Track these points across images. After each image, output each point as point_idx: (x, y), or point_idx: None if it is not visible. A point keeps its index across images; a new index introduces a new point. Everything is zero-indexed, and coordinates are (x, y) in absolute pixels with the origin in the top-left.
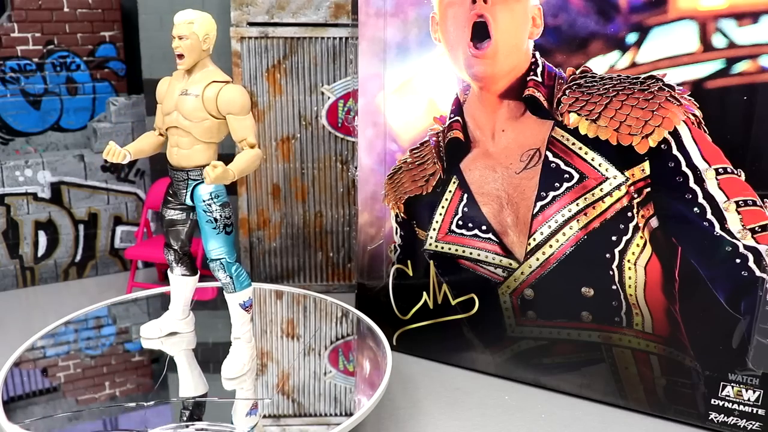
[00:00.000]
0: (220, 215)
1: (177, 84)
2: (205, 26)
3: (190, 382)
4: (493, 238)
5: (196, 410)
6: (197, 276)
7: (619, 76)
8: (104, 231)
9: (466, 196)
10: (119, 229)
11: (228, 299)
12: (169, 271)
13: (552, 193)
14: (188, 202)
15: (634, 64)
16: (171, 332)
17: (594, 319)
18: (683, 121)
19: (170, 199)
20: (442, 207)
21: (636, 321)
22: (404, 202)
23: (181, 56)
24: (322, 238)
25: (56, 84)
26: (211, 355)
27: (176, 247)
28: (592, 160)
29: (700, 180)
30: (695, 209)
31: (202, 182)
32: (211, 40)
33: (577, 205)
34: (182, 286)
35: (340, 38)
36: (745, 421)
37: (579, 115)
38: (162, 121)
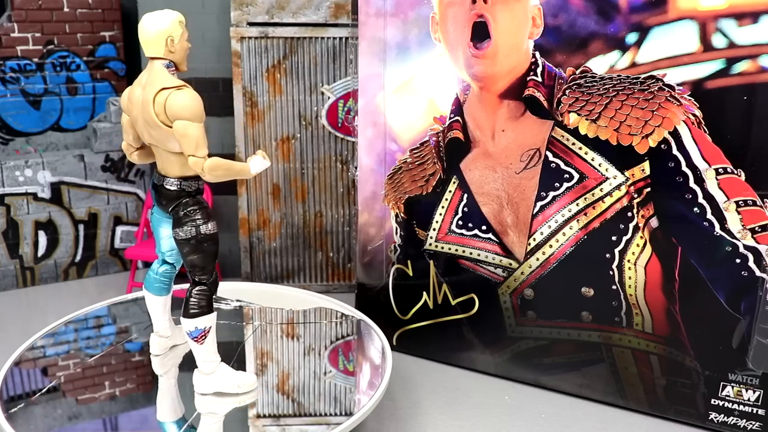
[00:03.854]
0: None
1: None
2: None
3: None
4: (493, 238)
5: None
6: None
7: (619, 76)
8: (104, 231)
9: (466, 196)
10: (119, 229)
11: None
12: None
13: (552, 193)
14: None
15: (634, 64)
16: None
17: (594, 319)
18: (683, 121)
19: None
20: (442, 207)
21: (636, 321)
22: (404, 202)
23: None
24: (322, 238)
25: (56, 84)
26: None
27: None
28: (592, 160)
29: (700, 180)
30: (695, 209)
31: None
32: None
33: (577, 205)
34: None
35: (340, 38)
36: (745, 421)
37: (579, 115)
38: None
